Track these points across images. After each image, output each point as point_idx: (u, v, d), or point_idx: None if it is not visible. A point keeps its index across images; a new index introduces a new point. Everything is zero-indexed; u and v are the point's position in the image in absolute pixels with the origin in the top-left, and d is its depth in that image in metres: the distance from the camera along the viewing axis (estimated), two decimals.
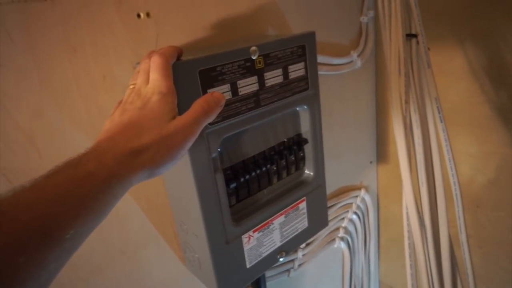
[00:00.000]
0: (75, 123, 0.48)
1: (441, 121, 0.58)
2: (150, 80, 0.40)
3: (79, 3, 0.45)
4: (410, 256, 0.59)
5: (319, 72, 0.60)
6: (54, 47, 0.45)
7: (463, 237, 0.60)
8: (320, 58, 0.75)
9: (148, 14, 0.51)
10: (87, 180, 0.30)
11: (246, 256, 0.56)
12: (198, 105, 0.40)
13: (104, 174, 0.31)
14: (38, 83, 0.44)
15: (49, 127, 0.46)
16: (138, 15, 0.50)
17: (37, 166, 0.46)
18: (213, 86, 0.46)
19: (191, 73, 0.44)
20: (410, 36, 0.59)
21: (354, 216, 0.97)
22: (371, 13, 0.82)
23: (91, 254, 0.53)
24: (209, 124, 0.47)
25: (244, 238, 0.55)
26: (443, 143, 0.58)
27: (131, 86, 0.42)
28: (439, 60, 0.73)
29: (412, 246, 0.59)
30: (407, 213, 0.59)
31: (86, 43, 0.47)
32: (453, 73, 0.76)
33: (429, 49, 0.59)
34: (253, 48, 0.49)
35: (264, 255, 0.59)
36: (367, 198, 1.00)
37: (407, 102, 0.56)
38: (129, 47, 0.50)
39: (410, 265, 0.59)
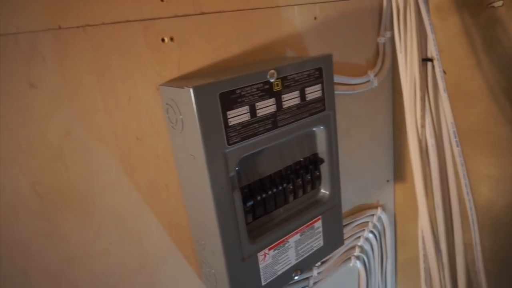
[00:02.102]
0: (102, 142, 0.50)
1: (458, 146, 0.58)
2: None
3: (108, 30, 0.48)
4: (425, 281, 0.59)
5: (336, 92, 0.62)
6: (84, 70, 0.48)
7: (479, 264, 0.59)
8: (337, 78, 0.77)
9: (172, 39, 0.54)
10: None
11: (261, 273, 0.57)
12: None
13: None
14: (69, 104, 0.47)
15: (77, 146, 0.48)
16: (163, 40, 0.53)
17: (65, 181, 0.48)
18: (233, 108, 0.48)
19: (211, 96, 0.46)
20: (426, 60, 0.59)
21: (371, 235, 0.97)
22: (388, 34, 0.83)
23: (113, 267, 0.54)
24: (228, 144, 0.48)
25: (260, 256, 0.56)
26: (460, 168, 0.58)
27: None
28: (457, 81, 0.73)
29: (427, 271, 0.58)
30: (422, 237, 0.59)
31: (114, 67, 0.49)
32: (472, 94, 0.76)
33: (445, 73, 0.60)
34: (272, 71, 0.51)
35: (279, 272, 0.60)
36: (384, 217, 0.99)
37: (423, 126, 0.57)
38: (154, 70, 0.53)
39: None
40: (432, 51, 0.59)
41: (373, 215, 0.97)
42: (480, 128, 0.78)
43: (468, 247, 0.60)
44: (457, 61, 0.73)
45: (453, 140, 0.58)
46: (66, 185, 0.49)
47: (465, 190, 0.58)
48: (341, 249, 0.92)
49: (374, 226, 0.97)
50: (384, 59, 0.86)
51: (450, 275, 0.57)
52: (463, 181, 0.58)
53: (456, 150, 0.58)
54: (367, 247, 0.97)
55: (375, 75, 0.85)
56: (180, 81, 0.54)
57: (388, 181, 1.01)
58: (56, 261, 0.49)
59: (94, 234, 0.52)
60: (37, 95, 0.45)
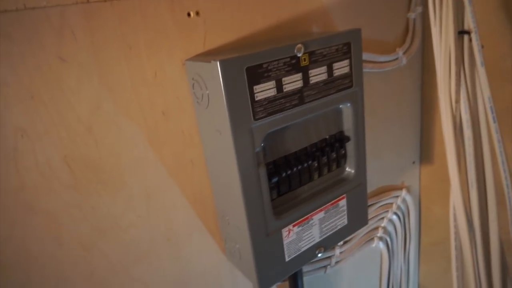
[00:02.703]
0: (129, 116, 0.51)
1: (494, 121, 0.55)
2: None
3: (135, 4, 0.48)
4: (456, 258, 0.57)
5: (364, 70, 0.60)
6: (112, 45, 0.48)
7: None
8: (365, 55, 0.75)
9: (197, 13, 0.53)
10: None
11: (285, 249, 0.58)
12: None
13: None
14: (97, 78, 0.48)
15: (105, 120, 0.49)
16: (188, 14, 0.53)
17: (94, 155, 0.49)
18: (259, 83, 0.47)
19: (238, 70, 0.45)
20: (462, 33, 0.56)
21: (394, 217, 0.96)
22: (419, 9, 0.80)
23: (140, 239, 0.56)
24: (254, 119, 0.48)
25: (284, 232, 0.57)
26: (496, 145, 0.56)
27: None
28: (493, 58, 0.69)
29: (459, 248, 0.57)
30: (454, 214, 0.57)
31: (141, 41, 0.50)
32: (507, 71, 0.72)
33: (482, 46, 0.57)
34: (299, 45, 0.50)
35: (303, 249, 0.60)
36: (408, 198, 0.97)
37: (457, 101, 0.54)
38: (180, 45, 0.53)
39: (457, 267, 0.57)
40: (469, 23, 0.56)
41: (397, 196, 0.95)
42: None
43: (504, 229, 0.58)
44: (494, 37, 0.69)
45: (490, 115, 0.56)
46: (95, 158, 0.50)
47: (501, 167, 0.56)
48: (364, 230, 0.91)
49: (398, 207, 0.96)
50: (414, 35, 0.83)
51: (483, 254, 0.56)
52: (500, 159, 0.55)
53: (493, 126, 0.55)
54: (390, 228, 0.96)
55: (404, 53, 0.82)
56: (206, 56, 0.53)
57: (414, 162, 0.98)
58: (87, 231, 0.51)
59: (123, 207, 0.53)
60: (67, 69, 0.45)
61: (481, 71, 0.56)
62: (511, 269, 0.60)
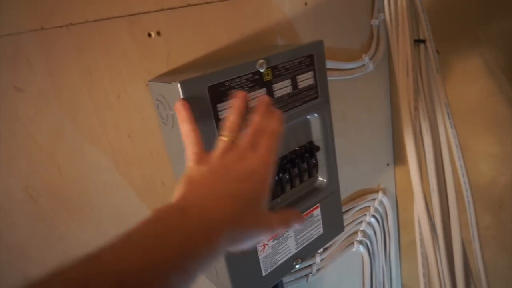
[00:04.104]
0: (93, 142, 0.50)
1: (452, 127, 0.57)
2: (263, 150, 0.36)
3: (92, 28, 0.47)
4: (423, 265, 0.58)
5: (331, 78, 0.61)
6: (71, 71, 0.47)
7: (476, 245, 0.59)
8: (331, 64, 0.76)
9: (158, 33, 0.53)
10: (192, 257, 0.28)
11: (261, 264, 0.57)
12: (289, 220, 0.38)
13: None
14: (57, 106, 0.47)
15: (69, 147, 0.48)
16: (149, 35, 0.52)
17: (58, 183, 0.48)
18: (223, 101, 0.47)
19: (200, 90, 0.45)
20: (418, 41, 0.58)
21: (373, 219, 0.97)
22: (382, 16, 0.81)
23: None
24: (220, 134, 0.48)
25: (259, 247, 0.56)
26: (454, 150, 0.58)
27: (224, 138, 0.39)
28: (454, 60, 0.72)
29: (424, 255, 0.58)
30: (419, 221, 0.59)
31: (101, 65, 0.49)
32: (469, 73, 0.75)
33: (438, 52, 0.59)
34: (261, 61, 0.50)
35: (279, 262, 0.60)
36: (385, 200, 0.99)
37: (416, 109, 0.56)
38: (142, 66, 0.52)
39: (423, 274, 0.59)
40: (424, 32, 0.58)
41: (374, 199, 0.96)
42: (480, 106, 0.77)
43: (465, 228, 0.59)
44: (454, 40, 0.72)
45: (447, 121, 0.57)
46: (60, 186, 0.49)
47: (460, 172, 0.58)
48: (343, 235, 0.92)
49: (376, 210, 0.97)
50: (379, 41, 0.85)
51: (447, 258, 0.57)
52: (458, 163, 0.57)
53: (450, 131, 0.57)
54: (369, 231, 0.97)
55: (370, 59, 0.84)
56: (168, 76, 0.53)
57: (388, 164, 1.00)
58: (57, 263, 0.49)
59: (93, 234, 0.52)
60: (24, 98, 0.44)
61: (437, 78, 0.57)
62: (473, 269, 0.62)
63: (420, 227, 0.58)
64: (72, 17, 0.46)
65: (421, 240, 0.59)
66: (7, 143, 0.44)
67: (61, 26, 0.46)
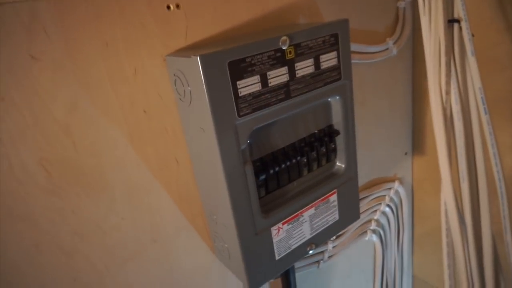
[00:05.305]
0: (108, 116, 0.49)
1: (486, 113, 0.54)
2: None
3: None
4: (448, 255, 0.56)
5: (352, 61, 0.58)
6: (87, 41, 0.45)
7: (508, 237, 0.56)
8: (354, 47, 0.73)
9: (178, 6, 0.51)
10: None
11: (275, 248, 0.56)
12: None
13: None
14: (73, 77, 0.45)
15: (83, 120, 0.47)
16: (168, 7, 0.50)
17: (73, 156, 0.47)
18: (243, 78, 0.46)
19: (220, 65, 0.43)
20: (452, 21, 0.55)
21: (387, 209, 0.95)
22: None
23: (125, 242, 0.54)
24: (239, 115, 0.46)
25: (273, 230, 0.55)
26: (488, 137, 0.54)
27: None
28: (483, 47, 0.68)
29: (450, 245, 0.56)
30: (445, 210, 0.56)
31: (118, 37, 0.47)
32: (498, 60, 0.71)
33: (473, 35, 0.55)
34: (284, 38, 0.48)
35: (293, 247, 0.59)
36: (401, 190, 0.96)
37: (448, 93, 0.53)
38: (159, 40, 0.50)
39: (448, 264, 0.57)
40: (459, 11, 0.54)
41: (390, 188, 0.94)
42: (507, 96, 0.73)
43: (496, 222, 0.56)
44: (485, 25, 0.68)
45: (481, 107, 0.54)
46: (74, 160, 0.48)
47: (493, 160, 0.54)
48: (357, 223, 0.90)
49: (391, 199, 0.95)
50: (404, 25, 0.81)
51: (475, 250, 0.55)
52: (491, 151, 0.54)
53: (484, 117, 0.54)
54: (383, 220, 0.96)
55: (394, 43, 0.80)
56: (187, 50, 0.51)
57: (406, 153, 0.97)
58: (68, 236, 0.49)
59: (105, 209, 0.52)
60: (39, 68, 0.43)
61: (471, 61, 0.54)
62: (503, 263, 0.59)
63: (446, 216, 0.56)
64: None
65: (448, 229, 0.57)
66: (22, 113, 0.43)
67: None
